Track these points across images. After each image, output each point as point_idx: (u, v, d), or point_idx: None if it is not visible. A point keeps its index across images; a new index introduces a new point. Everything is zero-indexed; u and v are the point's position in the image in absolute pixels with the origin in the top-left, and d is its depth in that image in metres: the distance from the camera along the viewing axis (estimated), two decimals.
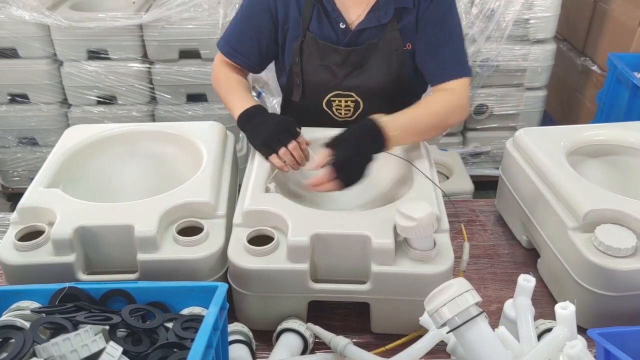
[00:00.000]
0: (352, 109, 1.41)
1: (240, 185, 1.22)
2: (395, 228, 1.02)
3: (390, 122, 1.18)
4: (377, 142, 1.17)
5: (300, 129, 1.26)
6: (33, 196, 1.12)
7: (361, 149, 1.16)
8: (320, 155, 1.15)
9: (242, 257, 1.04)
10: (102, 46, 2.51)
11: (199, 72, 2.55)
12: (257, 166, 1.22)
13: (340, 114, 1.42)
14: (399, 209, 1.00)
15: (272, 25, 1.37)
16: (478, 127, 2.88)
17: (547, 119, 3.06)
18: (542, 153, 1.24)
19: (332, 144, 1.15)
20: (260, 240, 1.07)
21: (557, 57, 2.76)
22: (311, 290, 1.05)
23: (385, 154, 1.22)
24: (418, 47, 1.34)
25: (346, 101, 1.39)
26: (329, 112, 1.42)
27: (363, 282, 1.05)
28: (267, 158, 1.23)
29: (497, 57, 2.65)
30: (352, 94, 1.38)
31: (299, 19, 1.34)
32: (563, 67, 3.02)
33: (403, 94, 1.41)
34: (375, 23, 1.32)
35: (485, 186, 2.74)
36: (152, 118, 2.65)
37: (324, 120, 1.41)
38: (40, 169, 1.21)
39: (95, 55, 2.53)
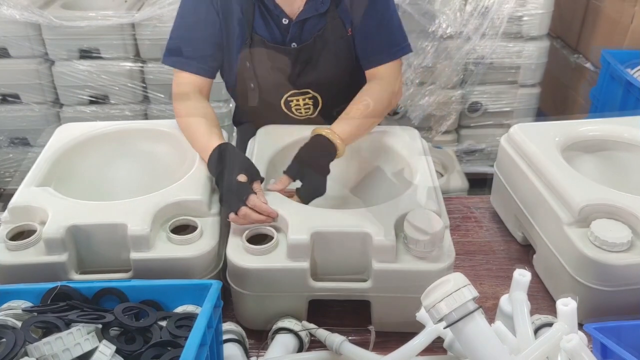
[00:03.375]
0: (311, 106, 1.40)
1: None
2: (395, 225, 1.02)
3: (335, 134, 1.21)
4: (330, 155, 1.20)
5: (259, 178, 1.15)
6: (24, 195, 1.11)
7: (314, 159, 1.19)
8: (280, 182, 1.16)
9: (241, 256, 1.02)
10: (93, 45, 2.49)
11: None
12: (255, 163, 1.20)
13: (301, 113, 1.41)
14: (408, 219, 1.01)
15: (219, 26, 1.32)
16: (472, 124, 2.88)
17: (541, 116, 3.06)
18: (537, 148, 1.24)
19: (288, 170, 1.17)
20: (258, 239, 1.06)
21: (551, 55, 2.76)
22: (312, 289, 1.04)
23: (384, 151, 1.22)
24: (355, 31, 1.33)
25: (304, 99, 1.38)
26: (288, 112, 1.40)
27: (363, 280, 1.04)
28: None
29: (491, 54, 2.65)
30: (309, 90, 1.37)
31: (242, 19, 1.30)
32: (556, 64, 3.03)
33: (355, 80, 1.41)
34: (314, 12, 1.30)
35: (480, 183, 2.74)
36: (145, 117, 2.63)
37: (285, 120, 1.40)
38: (32, 168, 1.20)
39: (86, 54, 2.51)
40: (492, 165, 1.43)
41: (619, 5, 2.59)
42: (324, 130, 1.22)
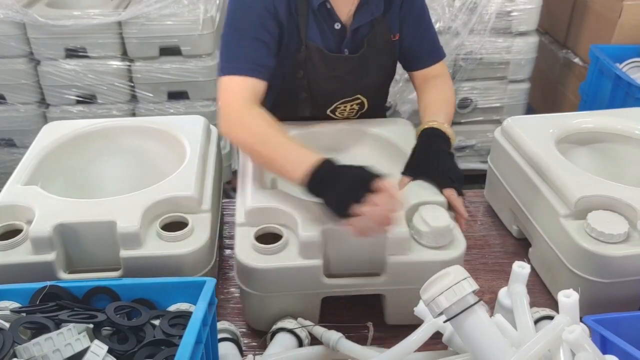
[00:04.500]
0: (356, 110, 1.38)
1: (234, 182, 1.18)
2: (405, 216, 1.02)
3: (442, 124, 1.20)
4: (447, 141, 1.18)
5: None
6: (10, 194, 1.08)
7: (434, 148, 1.16)
8: (402, 183, 1.12)
9: (251, 256, 1.00)
10: (80, 44, 2.46)
11: (180, 69, 2.51)
12: (251, 161, 1.18)
13: (343, 115, 1.38)
14: (421, 213, 1.02)
15: (277, 32, 1.22)
16: (462, 120, 2.88)
17: (531, 112, 3.07)
18: (531, 141, 1.23)
19: (406, 170, 1.15)
20: (265, 238, 1.03)
21: (540, 50, 2.77)
22: (325, 286, 1.02)
23: (381, 144, 1.20)
24: (404, 35, 1.33)
25: (352, 105, 1.35)
26: (332, 116, 1.37)
27: (376, 274, 1.03)
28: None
29: (480, 50, 2.65)
30: (359, 96, 1.35)
31: (294, 27, 1.23)
32: (545, 60, 3.04)
33: (391, 81, 1.43)
34: (369, 18, 1.26)
35: (471, 180, 2.74)
36: (133, 116, 2.60)
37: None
38: (18, 166, 1.17)
39: (73, 53, 2.47)
40: (483, 162, 1.43)
41: (606, 1, 2.60)
42: (430, 124, 1.20)
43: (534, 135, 1.25)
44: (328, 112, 1.36)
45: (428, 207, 1.04)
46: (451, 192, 1.09)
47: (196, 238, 1.04)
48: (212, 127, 1.37)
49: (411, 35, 1.33)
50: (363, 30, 1.28)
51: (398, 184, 1.11)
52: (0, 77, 2.50)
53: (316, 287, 1.02)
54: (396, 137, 1.28)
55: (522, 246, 1.29)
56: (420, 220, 1.02)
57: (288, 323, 1.01)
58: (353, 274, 1.04)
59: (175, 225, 1.06)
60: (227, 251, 1.29)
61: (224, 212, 1.40)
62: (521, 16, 2.62)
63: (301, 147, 1.05)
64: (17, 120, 2.60)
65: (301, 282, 1.01)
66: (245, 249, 1.01)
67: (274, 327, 1.01)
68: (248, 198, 1.08)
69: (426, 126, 1.20)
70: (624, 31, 2.55)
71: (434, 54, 1.37)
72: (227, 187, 2.71)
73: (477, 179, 2.63)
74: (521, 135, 1.26)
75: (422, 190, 1.09)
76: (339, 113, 1.37)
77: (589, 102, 2.58)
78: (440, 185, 1.10)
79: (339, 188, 0.96)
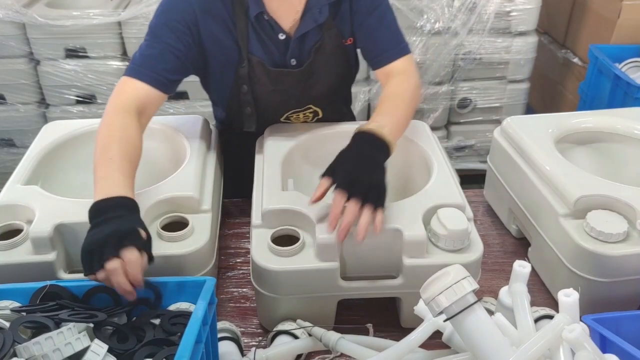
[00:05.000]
0: (310, 117, 1.37)
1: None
2: (422, 219, 1.02)
3: (383, 128, 1.08)
4: (380, 148, 1.06)
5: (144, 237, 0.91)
6: (10, 194, 1.08)
7: (363, 156, 1.02)
8: (319, 186, 1.00)
9: (267, 259, 0.99)
10: (80, 44, 2.46)
11: None
12: (269, 163, 1.17)
13: (299, 121, 1.37)
14: (439, 216, 1.01)
15: (194, 47, 1.19)
16: (462, 120, 2.88)
17: (530, 112, 3.07)
18: (530, 141, 1.23)
19: (327, 171, 1.02)
20: (281, 240, 1.03)
21: (539, 50, 2.77)
22: (342, 289, 1.02)
23: (399, 144, 1.19)
24: (358, 36, 1.30)
25: (305, 113, 1.35)
26: (287, 122, 1.37)
27: (392, 277, 1.03)
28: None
29: (479, 49, 2.65)
30: (310, 106, 1.34)
31: (232, 42, 1.21)
32: (544, 60, 3.04)
33: (348, 85, 1.42)
34: (313, 24, 1.23)
35: (470, 180, 2.74)
36: None
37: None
38: (18, 166, 1.17)
39: (73, 53, 2.48)
40: (482, 162, 1.43)
41: (606, 1, 2.61)
42: (368, 126, 1.08)
43: (534, 135, 1.25)
44: (282, 120, 1.35)
45: (446, 210, 1.03)
46: (340, 195, 0.96)
47: (196, 238, 1.04)
48: (212, 127, 1.37)
49: (366, 35, 1.29)
50: (311, 38, 1.25)
51: (317, 187, 1.00)
52: (0, 77, 2.50)
53: (333, 289, 1.02)
54: (413, 138, 1.27)
55: (521, 246, 1.29)
56: (438, 223, 1.01)
57: (289, 325, 1.00)
58: (369, 277, 1.03)
59: (175, 226, 1.06)
60: (225, 251, 1.29)
61: (223, 212, 1.40)
62: (520, 16, 2.62)
63: (122, 177, 0.98)
64: (17, 120, 2.60)
65: (317, 284, 1.00)
66: (261, 251, 1.01)
67: (274, 329, 1.01)
68: (264, 200, 1.07)
69: (362, 129, 1.08)
70: (623, 31, 2.55)
71: (394, 50, 1.29)
72: None
73: (477, 178, 2.64)
74: (520, 135, 1.26)
75: (440, 193, 1.08)
76: (294, 119, 1.36)
77: (588, 102, 2.58)
78: (337, 186, 0.98)
79: (95, 234, 0.88)
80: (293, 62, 1.26)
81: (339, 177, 0.99)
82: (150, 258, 0.90)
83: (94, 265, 0.85)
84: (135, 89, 1.14)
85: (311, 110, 1.34)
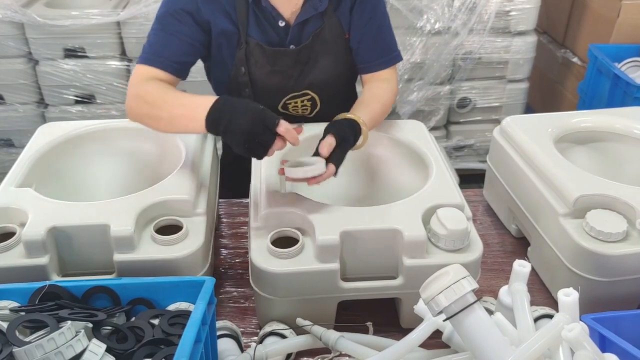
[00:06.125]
0: (309, 107, 1.37)
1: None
2: (422, 219, 1.02)
3: (363, 124, 1.17)
4: (357, 136, 1.16)
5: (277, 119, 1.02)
6: (3, 196, 1.07)
7: (348, 140, 1.13)
8: (325, 144, 1.08)
9: (267, 261, 0.99)
10: (79, 44, 2.46)
11: None
12: (267, 164, 1.17)
13: (297, 112, 1.38)
14: (438, 216, 1.01)
15: (200, 30, 1.24)
16: (461, 120, 2.88)
17: (529, 111, 3.08)
18: (530, 140, 1.23)
19: (327, 132, 1.11)
20: (280, 242, 1.02)
21: (538, 50, 2.77)
22: (342, 290, 1.02)
23: (396, 145, 1.21)
24: (353, 37, 1.32)
25: (302, 101, 1.35)
26: (286, 112, 1.37)
27: (392, 278, 1.03)
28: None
29: (479, 49, 2.65)
30: (308, 91, 1.34)
31: (232, 26, 1.25)
32: (544, 59, 3.04)
33: (349, 82, 1.42)
34: (313, 12, 1.26)
35: (470, 179, 2.74)
36: None
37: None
38: (12, 168, 1.16)
39: (71, 53, 2.47)
40: (482, 161, 1.43)
41: (605, 0, 2.61)
42: (350, 116, 1.17)
43: (533, 134, 1.25)
44: (280, 109, 1.36)
45: (445, 210, 1.03)
46: (330, 137, 1.08)
47: (190, 242, 1.03)
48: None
49: (360, 40, 1.31)
50: (311, 26, 1.28)
51: (323, 147, 1.08)
52: None
53: (333, 291, 1.01)
54: (410, 138, 1.27)
55: (521, 245, 1.29)
56: (438, 223, 1.01)
57: (276, 326, 1.00)
58: (369, 277, 1.03)
59: (169, 229, 1.05)
60: (224, 251, 1.29)
61: (221, 213, 1.40)
62: (520, 16, 2.62)
63: (198, 95, 1.08)
64: (15, 121, 2.60)
65: (317, 286, 1.00)
66: (260, 253, 1.00)
67: (262, 331, 1.00)
68: (263, 202, 1.07)
69: (343, 117, 1.17)
70: (622, 30, 2.55)
71: (383, 59, 1.34)
72: None
73: (476, 178, 2.64)
74: (520, 134, 1.26)
75: (438, 193, 1.08)
76: (292, 109, 1.37)
77: (588, 102, 2.58)
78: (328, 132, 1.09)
79: (237, 118, 0.99)
80: (292, 47, 1.29)
81: (337, 132, 1.10)
82: None
83: (258, 149, 0.99)
84: (149, 73, 1.20)
85: (309, 97, 1.35)
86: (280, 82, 1.31)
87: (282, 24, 1.27)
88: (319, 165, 1.04)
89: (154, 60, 1.21)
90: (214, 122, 1.02)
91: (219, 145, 1.48)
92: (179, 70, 1.23)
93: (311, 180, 1.05)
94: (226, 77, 1.33)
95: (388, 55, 1.34)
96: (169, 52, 1.21)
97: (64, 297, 0.86)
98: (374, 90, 1.32)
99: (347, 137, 1.12)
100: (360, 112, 1.20)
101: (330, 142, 1.08)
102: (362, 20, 1.30)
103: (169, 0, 1.24)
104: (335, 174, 1.08)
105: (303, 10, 1.26)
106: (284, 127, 0.99)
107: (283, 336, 0.99)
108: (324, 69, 1.32)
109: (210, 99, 1.04)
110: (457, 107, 2.83)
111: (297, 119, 1.37)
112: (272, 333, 0.99)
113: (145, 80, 1.18)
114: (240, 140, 0.99)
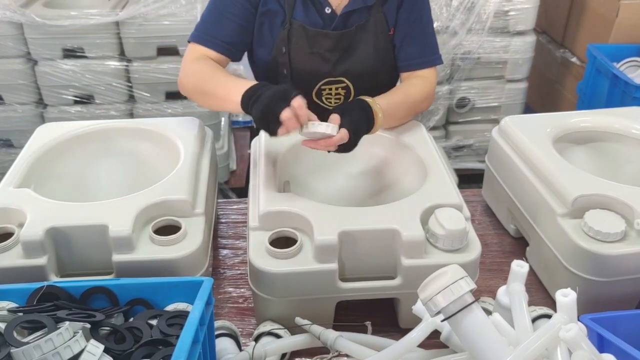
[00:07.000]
0: (342, 97, 1.38)
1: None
2: (420, 219, 1.02)
3: (375, 104, 1.19)
4: (370, 120, 1.17)
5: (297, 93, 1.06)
6: (2, 197, 1.07)
7: (362, 122, 1.15)
8: (331, 118, 1.11)
9: (265, 261, 0.99)
10: (77, 44, 2.45)
11: (177, 69, 2.44)
12: (265, 164, 1.17)
13: (330, 102, 1.39)
14: (436, 216, 1.01)
15: (253, 10, 1.31)
16: (460, 120, 2.88)
17: (528, 111, 3.07)
18: (528, 140, 1.23)
19: (338, 112, 1.13)
20: (279, 242, 1.02)
21: (537, 50, 2.77)
22: (340, 290, 1.02)
23: (395, 145, 1.20)
24: (397, 34, 1.34)
25: (337, 88, 1.36)
26: (319, 102, 1.38)
27: (391, 278, 1.03)
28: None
29: (478, 49, 2.65)
30: (343, 79, 1.36)
31: (279, 6, 1.30)
32: (543, 59, 3.04)
33: (389, 80, 1.43)
34: (361, 5, 1.30)
35: (469, 179, 2.74)
36: (131, 117, 2.60)
37: (313, 112, 1.37)
38: (10, 169, 1.16)
39: (70, 53, 2.47)
40: (481, 161, 1.43)
41: (604, 0, 2.61)
42: (368, 99, 1.19)
43: (532, 134, 1.25)
44: (314, 96, 1.37)
45: (444, 210, 1.03)
46: (335, 116, 1.10)
47: (189, 242, 1.03)
48: (207, 128, 1.36)
49: (403, 35, 1.34)
50: (357, 17, 1.32)
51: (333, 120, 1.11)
52: None
53: (331, 291, 1.01)
54: (408, 139, 1.27)
55: (519, 245, 1.29)
56: (436, 223, 1.01)
57: (270, 326, 1.00)
58: (367, 277, 1.03)
59: (168, 229, 1.05)
60: (223, 251, 1.29)
61: (220, 213, 1.40)
62: (519, 15, 2.62)
63: (242, 79, 1.18)
64: (14, 121, 2.59)
65: (316, 286, 1.00)
66: (259, 253, 1.00)
67: (257, 331, 1.00)
68: (261, 202, 1.06)
69: (364, 98, 1.19)
70: (621, 30, 2.55)
71: (423, 59, 1.37)
72: (224, 187, 2.71)
73: (475, 178, 2.64)
74: (519, 134, 1.26)
75: (437, 193, 1.08)
76: (325, 97, 1.38)
77: (587, 101, 2.58)
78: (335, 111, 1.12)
79: (263, 100, 1.04)
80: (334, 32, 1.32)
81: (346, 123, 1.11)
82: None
83: (272, 124, 1.03)
84: (201, 51, 1.30)
85: (344, 84, 1.36)
86: (318, 65, 1.34)
87: (328, 10, 1.31)
88: (331, 126, 1.06)
89: (205, 39, 1.30)
90: (247, 98, 1.09)
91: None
92: (229, 51, 1.31)
93: (321, 142, 1.07)
94: (265, 56, 1.36)
95: (429, 57, 1.37)
96: (220, 32, 1.30)
97: (62, 298, 0.86)
98: (403, 84, 1.36)
99: (350, 109, 1.14)
100: (382, 103, 1.22)
101: (334, 117, 1.10)
102: (408, 19, 1.33)
103: None
104: (348, 144, 1.10)
105: (351, 1, 1.30)
106: (298, 101, 1.03)
107: (278, 336, 0.99)
108: (363, 58, 1.34)
109: (249, 83, 1.12)
110: (456, 107, 2.83)
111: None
112: (266, 333, 0.99)
113: (197, 59, 1.29)
114: (259, 110, 1.04)
